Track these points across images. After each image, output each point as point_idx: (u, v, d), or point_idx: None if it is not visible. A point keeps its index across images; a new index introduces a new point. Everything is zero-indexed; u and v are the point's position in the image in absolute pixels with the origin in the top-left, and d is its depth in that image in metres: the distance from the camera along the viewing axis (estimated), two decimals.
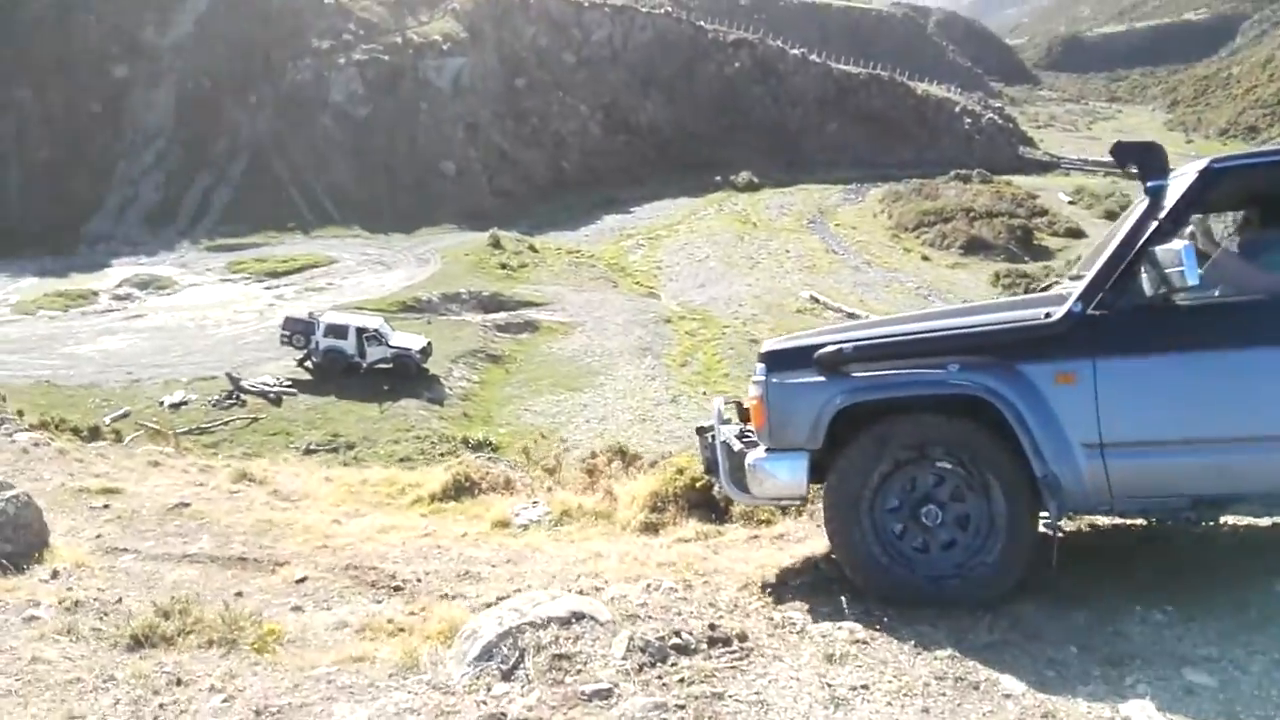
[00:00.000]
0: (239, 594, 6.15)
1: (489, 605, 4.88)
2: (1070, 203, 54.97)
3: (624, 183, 61.92)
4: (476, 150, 59.38)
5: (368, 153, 57.20)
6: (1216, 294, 3.85)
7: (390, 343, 32.10)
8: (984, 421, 4.00)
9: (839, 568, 4.40)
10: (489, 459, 21.77)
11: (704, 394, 32.49)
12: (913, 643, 3.51)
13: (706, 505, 7.67)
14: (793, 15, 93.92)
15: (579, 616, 3.73)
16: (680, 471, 8.06)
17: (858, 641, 3.51)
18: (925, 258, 47.93)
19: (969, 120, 72.45)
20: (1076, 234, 48.43)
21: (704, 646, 3.50)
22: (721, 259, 47.79)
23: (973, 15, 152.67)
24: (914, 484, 4.15)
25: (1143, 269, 3.88)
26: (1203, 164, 4.10)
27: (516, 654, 3.52)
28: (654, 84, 70.91)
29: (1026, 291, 38.91)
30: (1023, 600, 3.99)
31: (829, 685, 3.11)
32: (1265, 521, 4.61)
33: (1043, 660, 3.46)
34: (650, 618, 3.82)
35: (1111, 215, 50.84)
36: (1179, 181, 4.03)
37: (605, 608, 3.86)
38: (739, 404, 5.29)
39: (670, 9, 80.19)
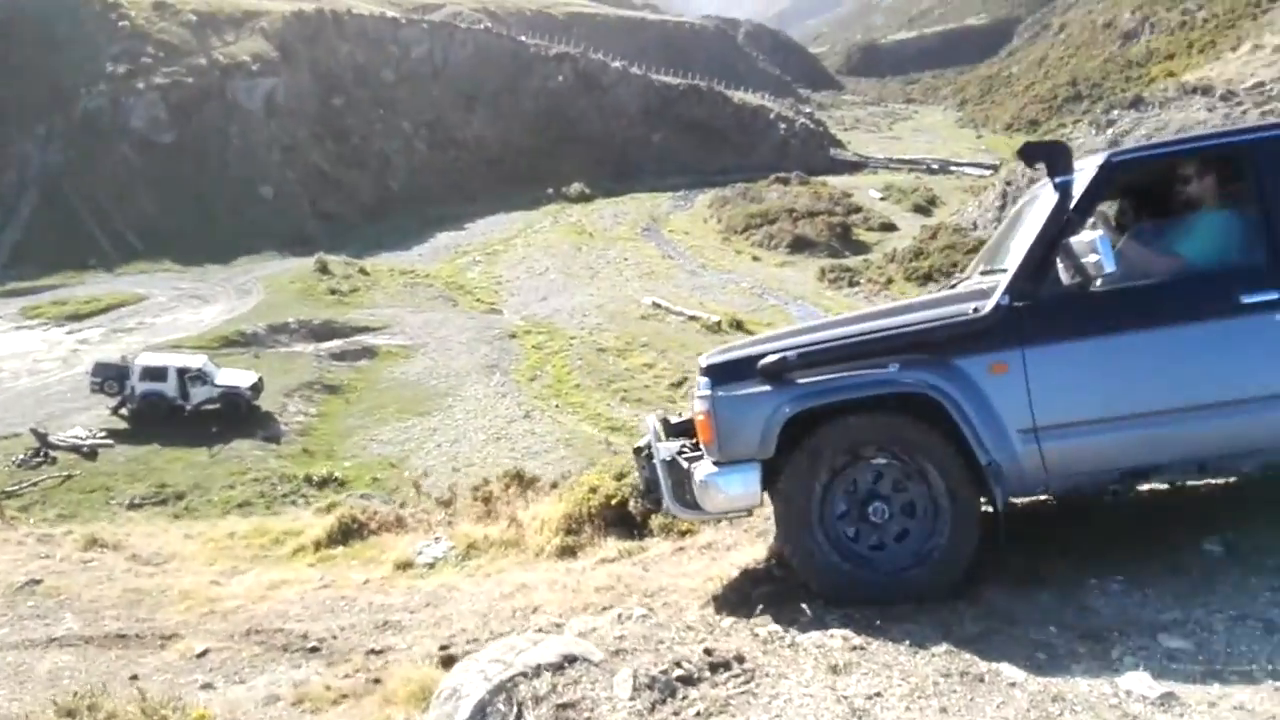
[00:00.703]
0: (134, 677, 5.60)
1: (453, 658, 4.62)
2: (881, 199, 57.75)
3: (455, 199, 60.88)
4: (295, 173, 57.09)
5: (175, 181, 53.98)
6: (1125, 279, 4.04)
7: (216, 381, 30.36)
8: (910, 413, 4.16)
9: (790, 569, 4.47)
10: (383, 499, 20.98)
11: (556, 407, 32.37)
12: (907, 642, 3.54)
13: (623, 522, 7.63)
14: (610, 29, 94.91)
15: (571, 659, 3.48)
16: (593, 490, 7.91)
17: (855, 648, 3.50)
18: (756, 258, 49.27)
19: (784, 126, 75.11)
20: (890, 228, 50.94)
21: (707, 674, 3.39)
22: (561, 270, 47.68)
23: (778, 26, 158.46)
24: (855, 485, 4.24)
25: (1059, 260, 4.11)
26: (1101, 158, 4.38)
27: (514, 710, 3.25)
28: (478, 99, 70.15)
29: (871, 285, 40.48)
30: (987, 586, 4.13)
31: (844, 697, 3.09)
32: (1163, 485, 4.87)
33: (1030, 644, 3.56)
34: (639, 650, 3.66)
35: (919, 209, 54.02)
36: (1082, 175, 4.27)
37: (595, 647, 3.65)
38: (665, 420, 5.27)
39: (490, 24, 79.62)
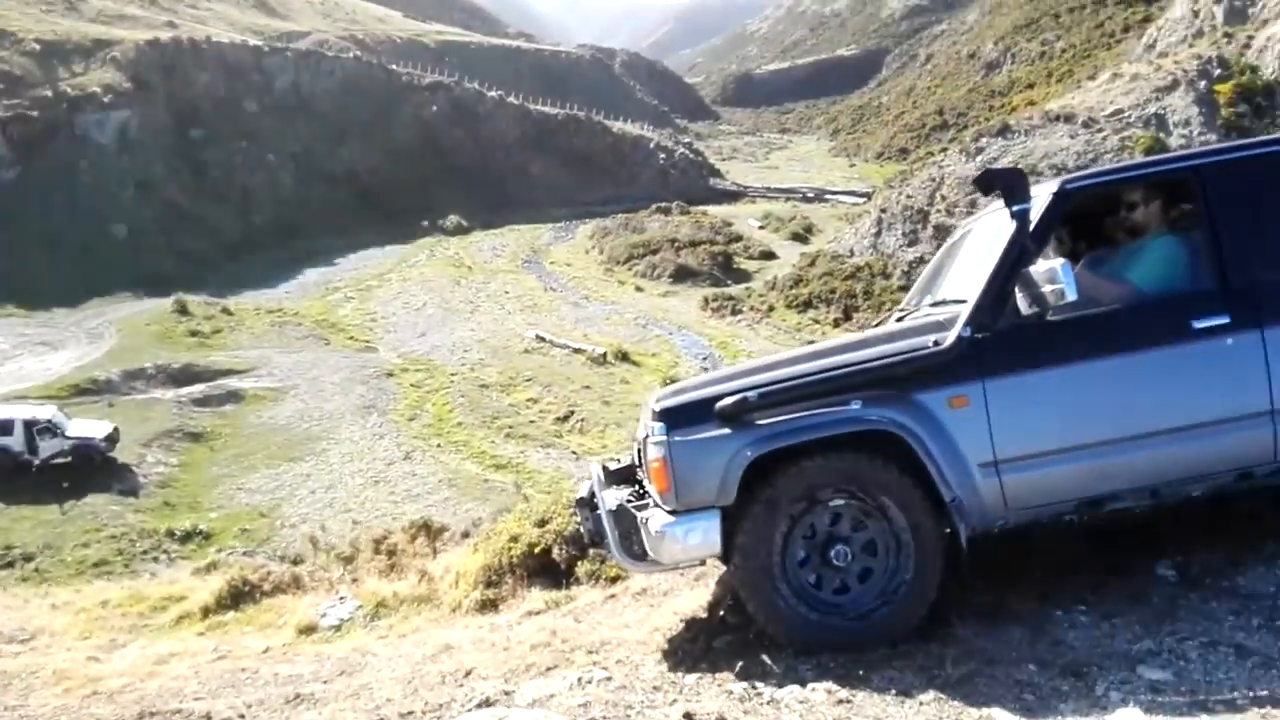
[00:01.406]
0: None
1: None
2: (760, 228, 58.85)
3: (324, 234, 58.97)
4: (150, 209, 54.41)
5: (18, 220, 50.63)
6: (1081, 307, 4.03)
7: (67, 433, 28.48)
8: (869, 450, 4.07)
9: (745, 614, 4.33)
10: (267, 554, 19.81)
11: (438, 446, 31.50)
12: (892, 691, 3.45)
13: (547, 571, 7.38)
14: (484, 57, 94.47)
15: None
16: (514, 539, 7.63)
17: (840, 701, 3.41)
18: (639, 288, 49.45)
19: (663, 155, 75.97)
20: (769, 256, 51.88)
21: None
22: (440, 305, 46.74)
23: (654, 56, 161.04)
24: (814, 531, 4.14)
25: (1017, 289, 4.09)
26: (1055, 185, 4.38)
27: None
28: (348, 130, 68.55)
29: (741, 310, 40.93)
30: (958, 624, 4.08)
31: None
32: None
33: (1014, 684, 3.53)
34: (609, 718, 3.47)
35: (797, 237, 55.25)
36: (1037, 203, 4.26)
37: (560, 717, 3.44)
38: (605, 468, 5.10)
39: (359, 53, 78.15)
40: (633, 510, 4.47)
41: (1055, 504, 4.16)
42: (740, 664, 4.05)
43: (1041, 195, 4.36)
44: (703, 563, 4.59)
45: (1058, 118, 36.49)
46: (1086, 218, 4.96)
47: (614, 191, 71.54)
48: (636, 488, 4.88)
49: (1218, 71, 35.25)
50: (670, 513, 4.16)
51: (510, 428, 32.59)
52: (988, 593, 4.31)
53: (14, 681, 7.16)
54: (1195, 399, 4.12)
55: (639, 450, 4.76)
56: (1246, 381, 4.13)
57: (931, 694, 3.41)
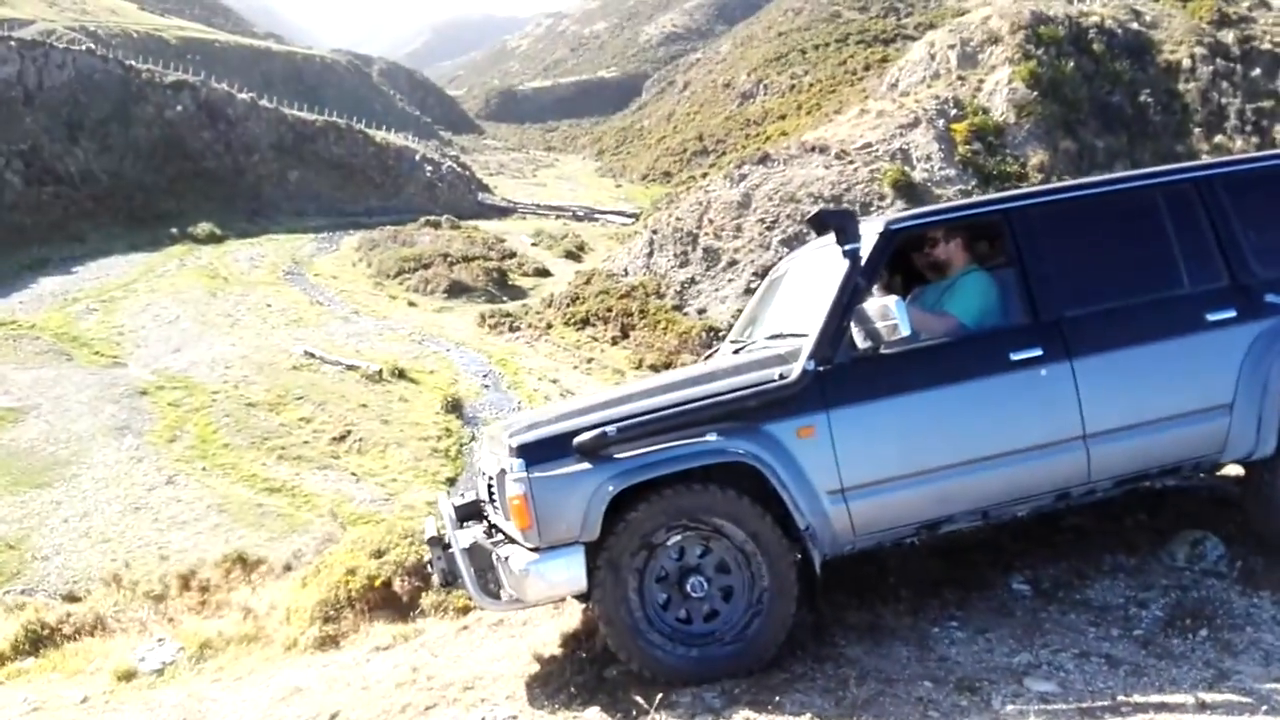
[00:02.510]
0: None
1: None
2: (533, 244, 59.05)
3: (59, 240, 53.69)
4: None
5: None
6: (912, 340, 4.32)
7: None
8: (719, 482, 4.20)
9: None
10: (49, 594, 17.91)
11: (204, 470, 29.70)
12: (806, 716, 3.60)
13: (389, 604, 7.15)
14: (231, 57, 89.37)
15: None
16: (351, 573, 7.33)
17: None
18: (412, 304, 48.40)
19: (430, 168, 74.73)
20: (544, 273, 52.09)
21: None
22: (195, 318, 43.87)
23: (413, 65, 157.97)
24: (664, 572, 4.27)
25: (853, 324, 4.39)
26: (880, 225, 4.74)
27: None
28: (82, 128, 62.88)
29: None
30: (845, 643, 4.31)
31: None
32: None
33: (916, 702, 3.70)
34: None
35: (570, 255, 55.92)
36: (865, 243, 4.57)
37: None
38: (453, 505, 5.10)
39: (92, 45, 72.02)
40: (489, 548, 4.47)
41: (898, 528, 4.40)
42: (637, 696, 4.03)
43: (869, 234, 4.63)
44: (563, 599, 4.60)
45: (813, 149, 39.06)
46: (910, 255, 5.32)
47: (379, 203, 69.60)
48: (487, 524, 4.88)
49: (954, 111, 38.96)
50: (533, 549, 4.15)
51: (283, 449, 31.18)
52: (862, 610, 4.54)
53: None
54: (1016, 426, 4.40)
55: (489, 486, 4.74)
56: (1060, 409, 4.41)
57: (842, 716, 3.53)
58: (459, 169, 78.73)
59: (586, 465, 4.12)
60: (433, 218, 62.50)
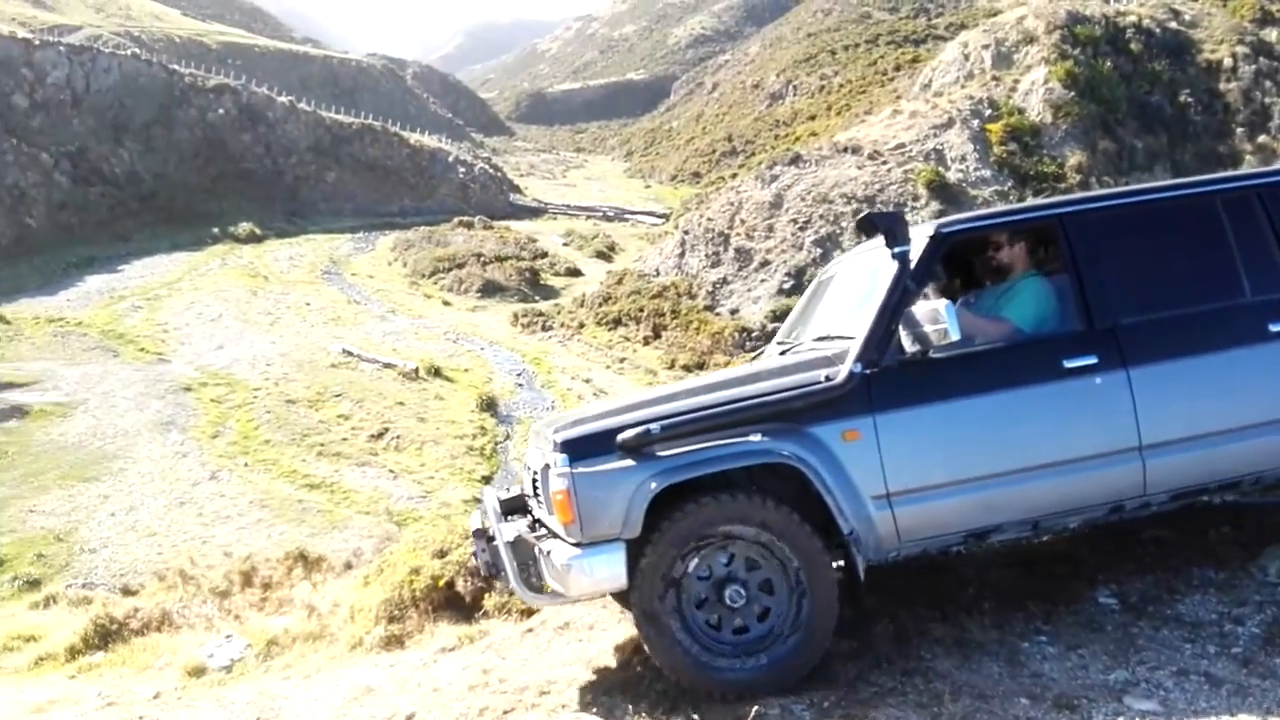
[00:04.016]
0: None
1: None
2: (565, 244, 59.33)
3: (105, 239, 54.76)
4: None
5: None
6: (961, 345, 4.27)
7: None
8: (762, 484, 4.22)
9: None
10: (84, 582, 18.32)
11: (245, 465, 30.15)
12: None
13: (452, 605, 7.16)
14: (270, 61, 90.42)
15: None
16: (415, 572, 7.37)
17: None
18: (446, 303, 48.84)
19: (463, 169, 75.23)
20: (575, 273, 52.34)
21: None
22: (237, 316, 44.52)
23: (446, 69, 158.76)
24: (705, 575, 4.22)
25: (901, 328, 4.34)
26: (931, 229, 4.69)
27: None
28: (128, 131, 63.90)
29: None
30: (936, 658, 4.25)
31: None
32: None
33: None
34: None
35: (601, 255, 56.10)
36: (914, 246, 4.50)
37: None
38: (499, 498, 5.13)
39: (137, 50, 73.13)
40: (532, 542, 4.47)
41: (944, 535, 4.34)
42: (721, 708, 4.00)
43: (919, 238, 4.56)
44: (608, 594, 4.45)
45: (845, 149, 38.95)
46: (962, 259, 5.30)
47: (413, 203, 70.23)
48: (531, 519, 4.88)
49: (988, 111, 38.64)
50: (575, 545, 4.13)
51: (322, 445, 31.61)
52: (946, 624, 4.48)
53: None
54: (1069, 435, 4.31)
55: (533, 480, 4.73)
56: (1115, 418, 4.32)
57: None
58: (491, 170, 79.17)
59: (629, 462, 4.11)
60: (466, 218, 62.97)
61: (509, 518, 4.99)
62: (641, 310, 40.52)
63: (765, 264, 37.53)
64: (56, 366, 36.79)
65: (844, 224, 35.20)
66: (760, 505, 4.13)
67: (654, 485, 4.04)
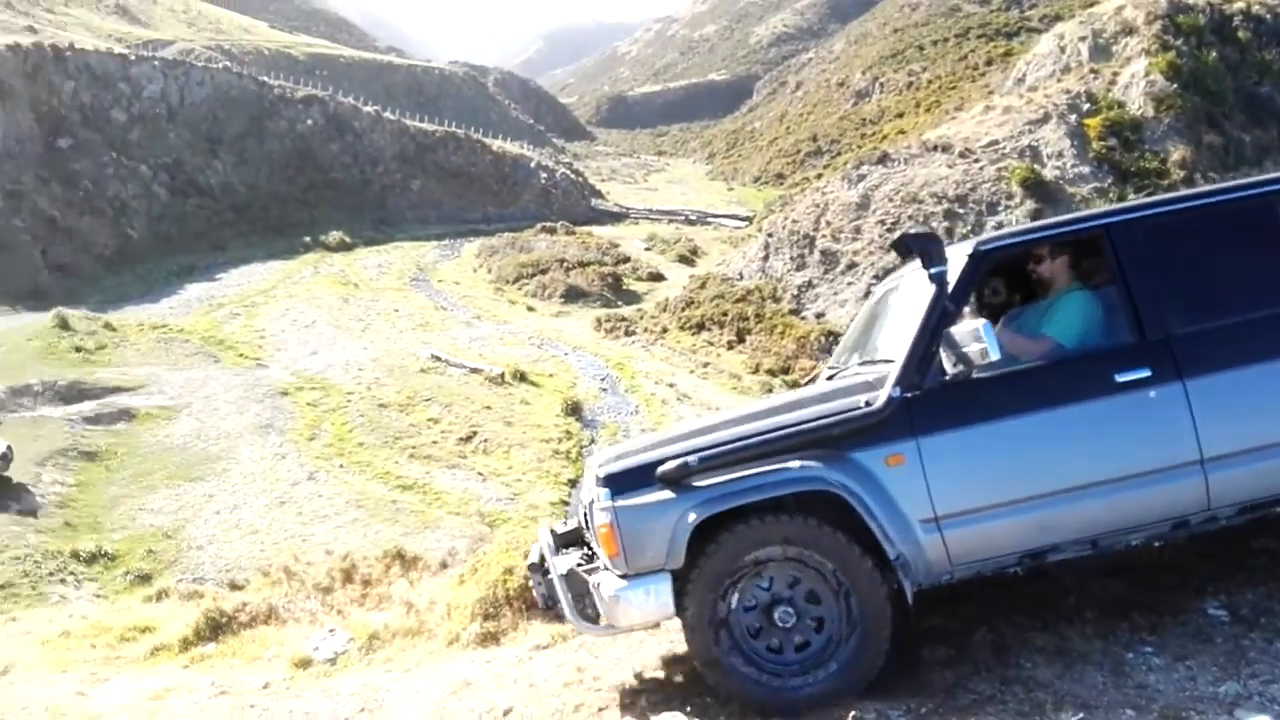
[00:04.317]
0: None
1: None
2: (646, 249, 59.52)
3: (203, 248, 56.90)
4: (22, 220, 51.45)
5: None
6: (1004, 364, 4.23)
7: None
8: (806, 511, 4.23)
9: None
10: (188, 578, 19.20)
11: (341, 467, 31.01)
12: None
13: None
14: (355, 72, 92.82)
15: None
16: (509, 572, 7.58)
17: None
18: (530, 308, 49.43)
19: (545, 175, 76.09)
20: (658, 277, 52.50)
21: None
22: (330, 323, 45.80)
23: (526, 74, 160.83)
24: (753, 601, 4.27)
25: (941, 349, 4.31)
26: (969, 248, 4.65)
27: None
28: (221, 142, 66.26)
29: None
30: (1037, 666, 4.21)
31: None
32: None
33: None
34: None
35: (684, 259, 56.15)
36: (953, 265, 4.48)
37: None
38: (553, 531, 5.27)
39: (228, 63, 75.81)
40: (584, 574, 4.54)
41: (998, 557, 4.27)
42: (813, 714, 4.05)
43: (957, 257, 4.55)
44: (657, 625, 4.56)
45: (935, 147, 38.23)
46: (1003, 276, 5.21)
47: (496, 210, 71.28)
48: (586, 550, 4.96)
49: (1086, 106, 37.35)
50: (621, 576, 4.23)
51: (413, 448, 32.33)
52: (1046, 633, 4.44)
53: (6, 719, 7.07)
54: (1124, 451, 4.22)
55: (585, 514, 4.81)
56: (1173, 432, 4.23)
57: None
58: (572, 175, 79.93)
59: (669, 494, 4.18)
60: (548, 224, 63.66)
61: (567, 550, 5.10)
62: (725, 314, 40.45)
63: (852, 266, 37.17)
64: (161, 371, 38.28)
65: (934, 225, 34.56)
66: (776, 523, 4.16)
67: (694, 516, 4.12)
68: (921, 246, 4.45)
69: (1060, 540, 4.25)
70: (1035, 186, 35.23)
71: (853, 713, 3.91)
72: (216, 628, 9.09)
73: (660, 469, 4.20)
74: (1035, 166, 35.83)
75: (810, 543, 4.15)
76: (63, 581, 23.33)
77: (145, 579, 23.13)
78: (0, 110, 54.99)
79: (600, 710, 4.70)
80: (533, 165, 77.37)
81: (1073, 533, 4.25)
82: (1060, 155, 36.19)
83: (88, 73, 62.80)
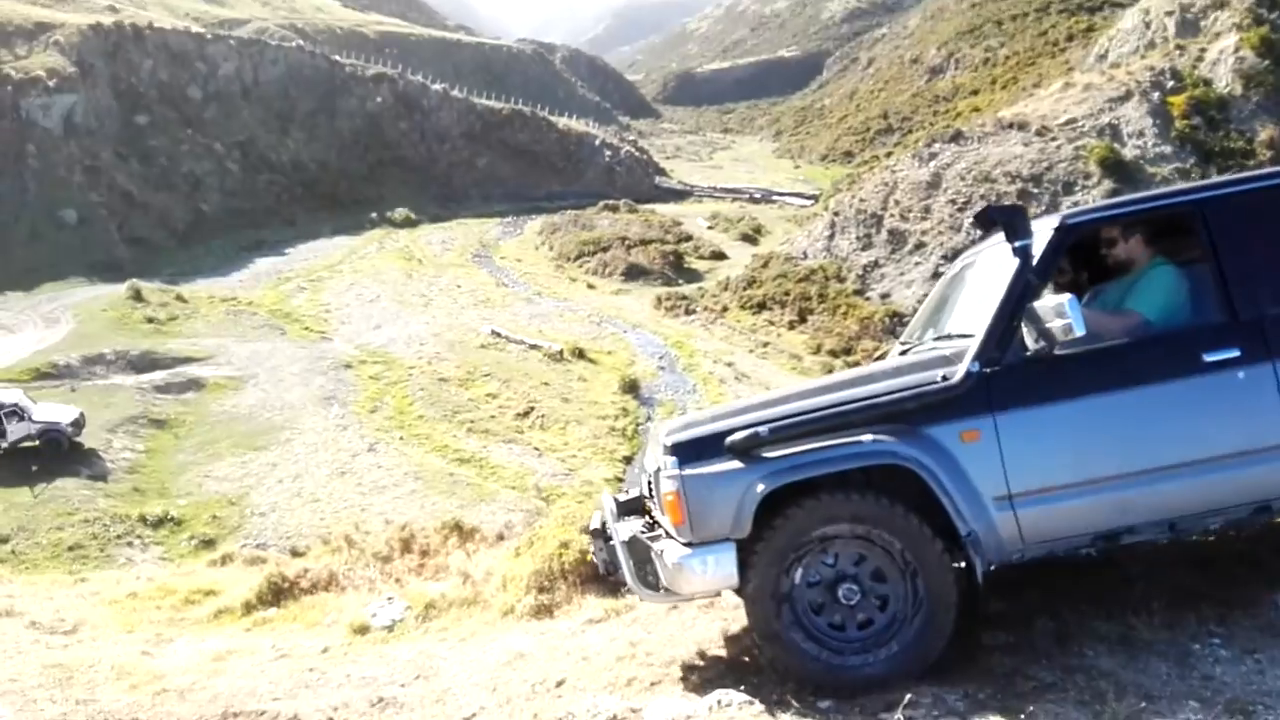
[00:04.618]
0: None
1: None
2: (709, 227, 59.14)
3: (273, 223, 58.26)
4: (99, 195, 53.04)
5: None
6: (1087, 342, 4.04)
7: (34, 417, 28.02)
8: (876, 486, 4.11)
9: None
10: (253, 542, 19.67)
11: (401, 439, 31.41)
12: None
13: (598, 579, 7.04)
14: (425, 49, 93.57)
15: None
16: (564, 546, 7.46)
17: None
18: (591, 286, 49.49)
19: (609, 152, 76.04)
20: (720, 256, 52.25)
21: None
22: (393, 298, 46.37)
23: (593, 51, 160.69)
24: (818, 576, 4.16)
25: (1023, 324, 4.14)
26: (1056, 221, 4.45)
27: None
28: (293, 120, 67.49)
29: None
30: (1099, 655, 4.06)
31: None
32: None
33: None
34: None
35: (747, 238, 55.70)
36: (1038, 239, 4.30)
37: None
38: (615, 499, 5.17)
39: (301, 42, 76.94)
40: (646, 541, 4.48)
41: (1072, 537, 4.15)
42: (875, 693, 3.97)
43: (1043, 230, 4.39)
44: (718, 594, 4.48)
45: (1010, 125, 37.23)
46: (1089, 252, 5.01)
47: (560, 187, 71.54)
48: (648, 519, 4.90)
49: (1171, 83, 36.02)
50: (685, 545, 4.15)
51: (471, 422, 32.62)
52: (1111, 622, 4.29)
53: (75, 675, 7.08)
54: (1208, 432, 4.10)
55: (649, 482, 4.78)
56: (1261, 414, 4.09)
57: None
58: (636, 153, 79.74)
59: (738, 464, 4.11)
60: (611, 201, 63.66)
61: (627, 518, 5.02)
62: (787, 294, 39.98)
63: (920, 246, 36.40)
64: (229, 343, 39.17)
65: (1007, 204, 33.71)
66: (845, 500, 4.06)
67: (762, 487, 4.03)
68: (1006, 218, 4.31)
69: (1137, 522, 4.11)
70: (1114, 166, 34.05)
71: (909, 695, 3.75)
72: (278, 593, 9.14)
73: (730, 439, 4.10)
74: (1114, 145, 34.63)
75: (880, 521, 4.05)
76: (130, 545, 24.10)
77: (209, 544, 23.76)
78: (81, 88, 56.67)
79: (653, 685, 4.64)
80: (597, 143, 77.36)
81: (1151, 514, 4.11)
82: (1141, 134, 34.93)
83: (165, 51, 64.34)
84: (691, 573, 4.09)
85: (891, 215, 37.99)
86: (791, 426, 4.11)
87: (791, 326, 38.31)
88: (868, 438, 4.04)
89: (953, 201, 35.96)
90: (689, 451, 4.21)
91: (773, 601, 4.10)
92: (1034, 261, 4.22)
